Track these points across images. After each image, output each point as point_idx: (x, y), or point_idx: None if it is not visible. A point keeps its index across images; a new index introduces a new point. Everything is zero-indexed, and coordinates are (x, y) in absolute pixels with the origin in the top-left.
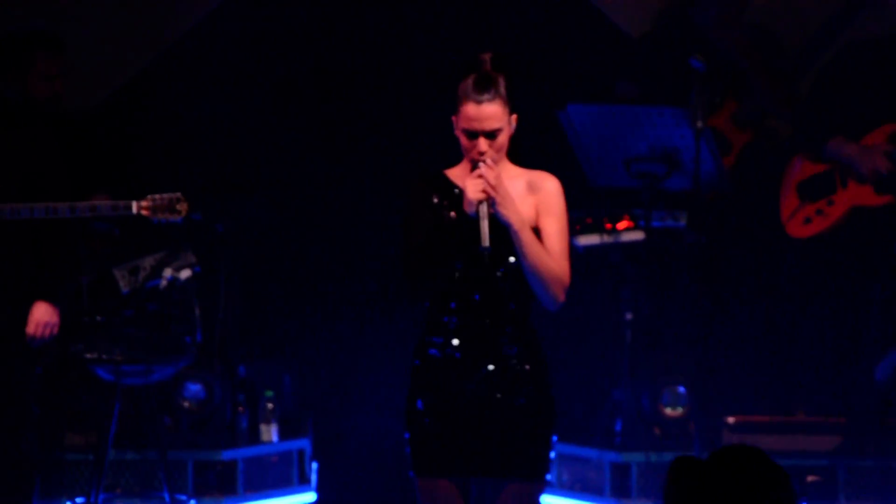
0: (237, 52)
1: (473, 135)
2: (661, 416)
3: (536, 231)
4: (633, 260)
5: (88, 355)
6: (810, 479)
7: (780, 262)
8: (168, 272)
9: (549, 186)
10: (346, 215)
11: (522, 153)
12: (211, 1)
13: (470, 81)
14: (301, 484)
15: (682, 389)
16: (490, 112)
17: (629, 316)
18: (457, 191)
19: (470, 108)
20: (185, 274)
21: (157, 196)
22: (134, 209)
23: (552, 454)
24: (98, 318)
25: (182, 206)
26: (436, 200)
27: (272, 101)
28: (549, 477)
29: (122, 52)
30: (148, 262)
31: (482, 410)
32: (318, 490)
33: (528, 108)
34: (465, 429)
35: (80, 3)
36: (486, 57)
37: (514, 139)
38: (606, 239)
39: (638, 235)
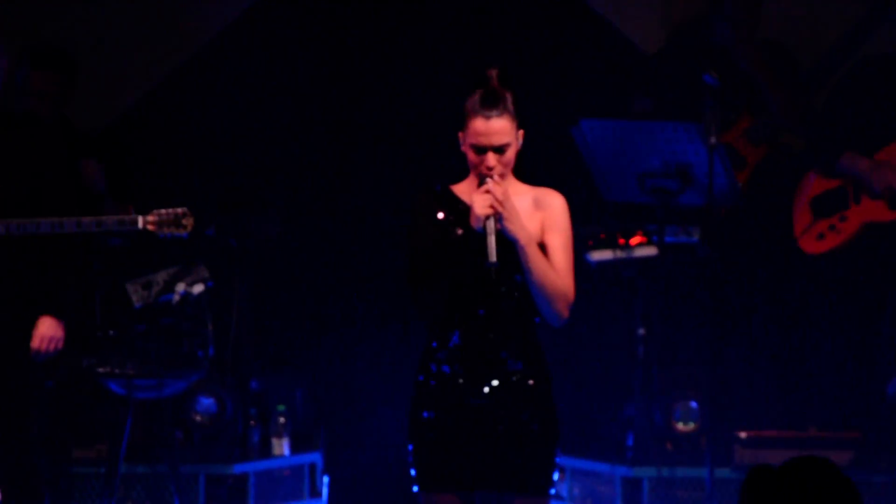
0: (251, 68)
1: (482, 150)
2: (673, 431)
3: (542, 247)
4: (646, 275)
5: (101, 369)
6: None
7: (792, 277)
8: (181, 287)
9: (555, 203)
10: (359, 230)
11: (535, 168)
12: (224, 18)
13: (477, 97)
14: (312, 497)
15: (694, 405)
16: (499, 127)
17: (642, 331)
18: (462, 207)
19: (479, 124)
20: (198, 288)
21: (162, 211)
22: (140, 224)
23: (556, 469)
24: (111, 332)
25: (188, 221)
26: (441, 216)
27: (285, 116)
28: (552, 491)
29: (136, 69)
30: (161, 276)
31: (486, 425)
32: None
33: (542, 123)
34: (469, 444)
35: (97, 20)
36: (493, 73)
37: (524, 154)
38: (619, 254)
39: (651, 251)
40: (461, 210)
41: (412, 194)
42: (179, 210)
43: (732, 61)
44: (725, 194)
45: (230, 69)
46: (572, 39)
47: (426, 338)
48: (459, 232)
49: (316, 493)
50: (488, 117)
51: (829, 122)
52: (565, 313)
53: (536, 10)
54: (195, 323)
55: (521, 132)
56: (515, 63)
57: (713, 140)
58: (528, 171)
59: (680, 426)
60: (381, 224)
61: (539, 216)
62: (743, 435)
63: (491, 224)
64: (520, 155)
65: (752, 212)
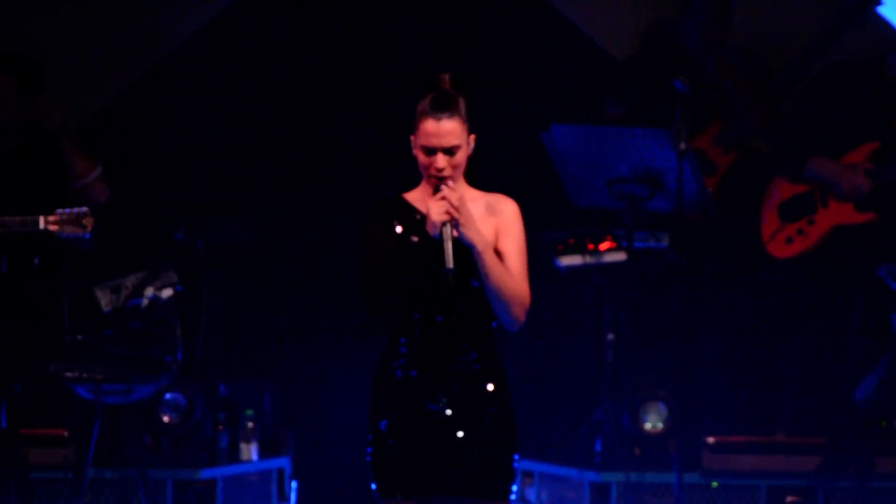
0: (219, 73)
1: (431, 151)
2: (641, 434)
3: (497, 253)
4: (615, 281)
5: (69, 374)
6: (790, 499)
7: (761, 282)
8: (149, 291)
9: (508, 209)
10: (328, 235)
11: (505, 173)
12: (195, 22)
13: (428, 100)
14: (280, 502)
15: (662, 406)
16: (449, 128)
17: (611, 336)
18: (419, 216)
19: (428, 125)
20: (167, 293)
21: (63, 210)
22: (41, 224)
23: (516, 474)
24: (79, 336)
25: (88, 221)
26: (396, 223)
27: (254, 121)
28: (512, 497)
29: (107, 72)
30: (129, 280)
31: (445, 431)
32: None
33: (513, 129)
34: (428, 450)
35: (70, 23)
36: (446, 76)
37: (485, 159)
38: (589, 259)
39: (620, 256)
40: (416, 218)
41: (364, 204)
42: (80, 210)
43: (702, 67)
44: (695, 200)
45: (200, 73)
46: (544, 46)
47: (384, 345)
48: (415, 239)
49: (284, 497)
50: (438, 119)
51: (796, 127)
52: (522, 318)
53: (507, 17)
54: (163, 327)
55: (472, 137)
56: (486, 69)
57: (683, 146)
58: (497, 175)
59: (648, 427)
60: (350, 230)
61: (492, 221)
62: (711, 440)
63: (447, 230)
64: (474, 160)
65: (721, 217)
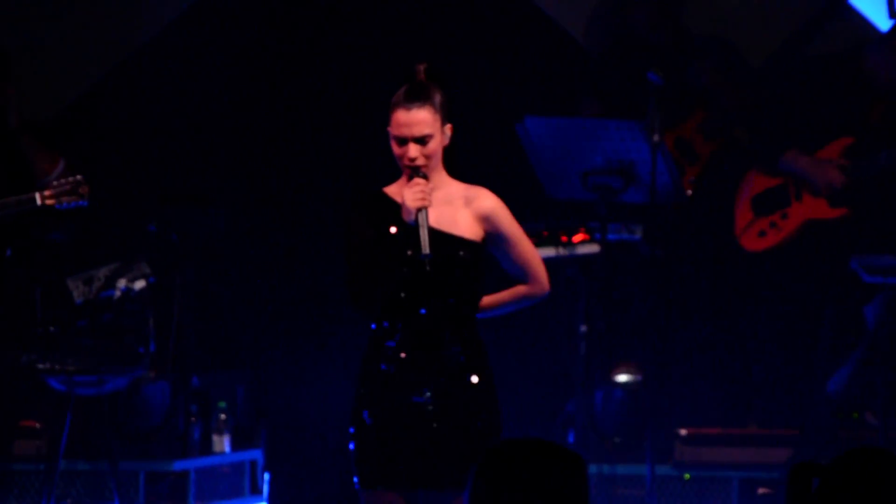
0: (195, 62)
1: (403, 141)
2: (612, 388)
3: (478, 245)
4: (588, 273)
5: (41, 365)
6: (762, 491)
7: (733, 275)
8: (122, 282)
9: (491, 204)
10: (303, 226)
11: (479, 165)
12: (169, 12)
13: (402, 91)
14: (253, 494)
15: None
16: (420, 118)
17: (584, 328)
18: (395, 207)
19: (400, 115)
20: (140, 284)
21: (58, 182)
22: (38, 200)
23: None
24: (51, 328)
25: (84, 190)
26: (376, 217)
27: (229, 111)
28: None
29: (79, 63)
30: (102, 272)
31: (428, 423)
32: (270, 500)
33: (487, 120)
34: (411, 442)
35: (42, 14)
36: (421, 67)
37: (463, 150)
38: (562, 252)
39: (593, 248)
40: (395, 210)
41: (345, 200)
42: (75, 178)
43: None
44: (669, 192)
45: (175, 63)
46: (518, 38)
47: (368, 337)
48: (394, 230)
49: (257, 490)
50: (409, 108)
51: (771, 119)
52: (544, 293)
53: (482, 9)
54: (136, 319)
55: (448, 126)
56: (461, 60)
57: (656, 138)
58: (471, 167)
59: (622, 380)
60: (325, 221)
61: (469, 213)
62: (683, 432)
63: (423, 216)
64: (451, 150)
65: (699, 208)
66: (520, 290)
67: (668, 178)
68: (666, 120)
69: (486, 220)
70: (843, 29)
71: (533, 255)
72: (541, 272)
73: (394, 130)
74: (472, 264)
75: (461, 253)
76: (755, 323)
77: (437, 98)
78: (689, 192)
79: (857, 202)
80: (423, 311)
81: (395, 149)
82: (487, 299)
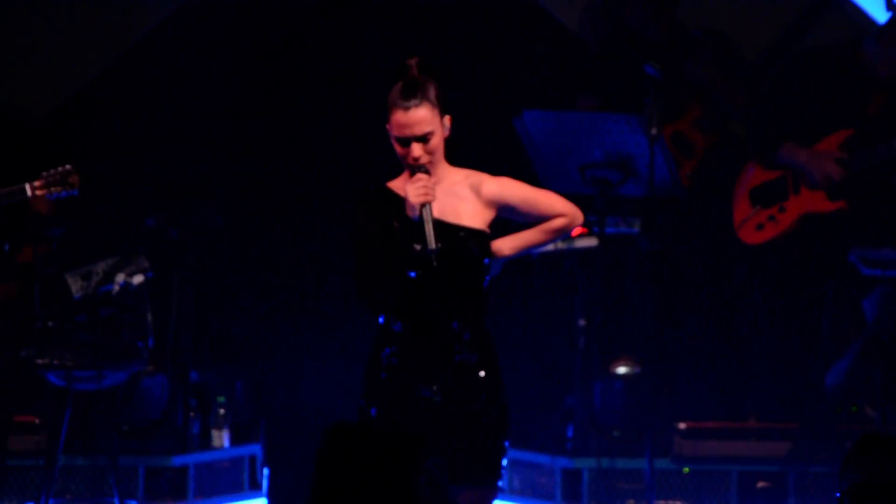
0: (194, 57)
1: (405, 141)
2: (610, 379)
3: (484, 235)
4: (586, 266)
5: (39, 360)
6: (761, 484)
7: (732, 268)
8: (121, 277)
9: (495, 186)
10: (301, 221)
11: (477, 159)
12: (163, 10)
13: (397, 88)
14: (252, 490)
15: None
16: (418, 117)
17: (582, 322)
18: (401, 203)
19: (399, 116)
20: (138, 279)
21: (47, 172)
22: (28, 191)
23: (504, 461)
24: (49, 323)
25: (74, 179)
26: (381, 213)
27: (228, 106)
28: (501, 483)
29: (78, 57)
30: (101, 266)
31: (436, 417)
32: (269, 496)
33: (485, 115)
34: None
35: (39, 8)
36: (413, 62)
37: (462, 141)
38: (560, 245)
39: (592, 242)
40: (399, 205)
41: (352, 197)
42: (64, 168)
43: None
44: (666, 185)
45: (173, 58)
46: (516, 32)
47: (376, 330)
48: (399, 226)
49: (256, 485)
50: (407, 108)
51: (769, 112)
52: (579, 220)
53: (480, 2)
54: (135, 314)
55: (446, 118)
56: (459, 55)
57: (654, 131)
58: (469, 162)
59: (621, 371)
60: (324, 215)
61: (476, 200)
62: (682, 426)
63: (427, 211)
64: (452, 141)
65: (696, 201)
66: (557, 222)
67: (666, 172)
68: (662, 114)
69: (494, 202)
70: (841, 21)
71: (550, 199)
72: (567, 206)
73: (395, 132)
74: (479, 255)
75: (468, 243)
76: (753, 316)
77: (433, 92)
78: (686, 185)
79: (856, 195)
80: (430, 304)
81: (398, 149)
82: (521, 238)
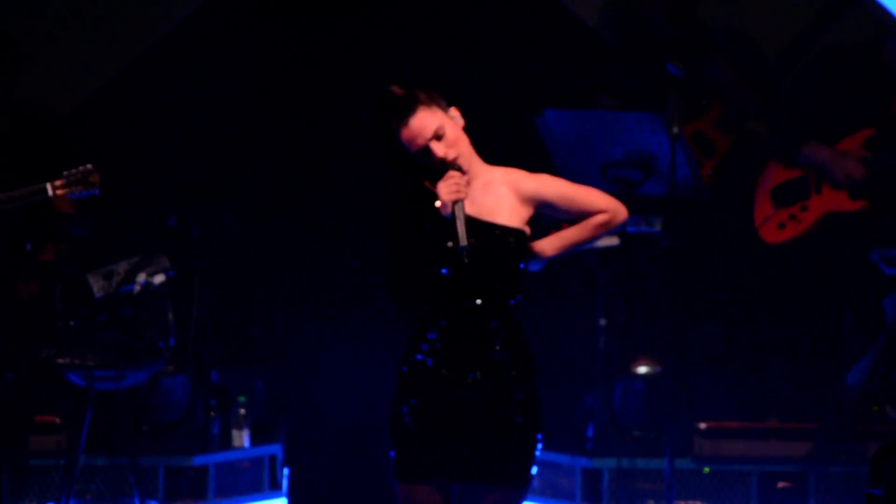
0: (214, 57)
1: (425, 151)
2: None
3: (521, 233)
4: (607, 265)
5: (60, 360)
6: (781, 485)
7: (753, 267)
8: (142, 277)
9: (532, 183)
10: (322, 221)
11: (500, 159)
12: (185, 8)
13: (392, 116)
14: (272, 490)
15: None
16: (420, 122)
17: (603, 321)
18: (437, 202)
19: (404, 133)
20: (159, 279)
21: (68, 172)
22: (49, 191)
23: (535, 462)
24: (71, 322)
25: (95, 178)
26: (416, 212)
27: (248, 106)
28: (532, 484)
29: (99, 56)
30: (122, 266)
31: (468, 416)
32: (289, 496)
33: (507, 114)
34: (450, 434)
35: (60, 8)
36: (392, 88)
37: (475, 145)
38: None
39: (612, 241)
40: (433, 203)
41: (391, 195)
42: (85, 168)
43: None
44: (688, 184)
45: (195, 57)
46: (538, 31)
47: (410, 330)
48: (434, 224)
49: (276, 485)
50: (407, 123)
51: (790, 111)
52: (621, 217)
53: (502, 2)
54: (156, 313)
55: (451, 109)
56: (481, 54)
57: (675, 130)
58: (491, 161)
59: (641, 371)
60: (344, 214)
61: (514, 198)
62: (703, 426)
63: (459, 209)
64: (474, 140)
65: (717, 200)
66: (598, 218)
67: (687, 171)
68: (684, 113)
69: (532, 199)
70: (863, 19)
71: (591, 195)
72: (608, 201)
73: (412, 148)
74: (515, 253)
75: (503, 241)
76: (775, 316)
77: (422, 96)
78: (707, 184)
79: (878, 194)
80: (464, 302)
81: (425, 161)
82: (563, 237)
